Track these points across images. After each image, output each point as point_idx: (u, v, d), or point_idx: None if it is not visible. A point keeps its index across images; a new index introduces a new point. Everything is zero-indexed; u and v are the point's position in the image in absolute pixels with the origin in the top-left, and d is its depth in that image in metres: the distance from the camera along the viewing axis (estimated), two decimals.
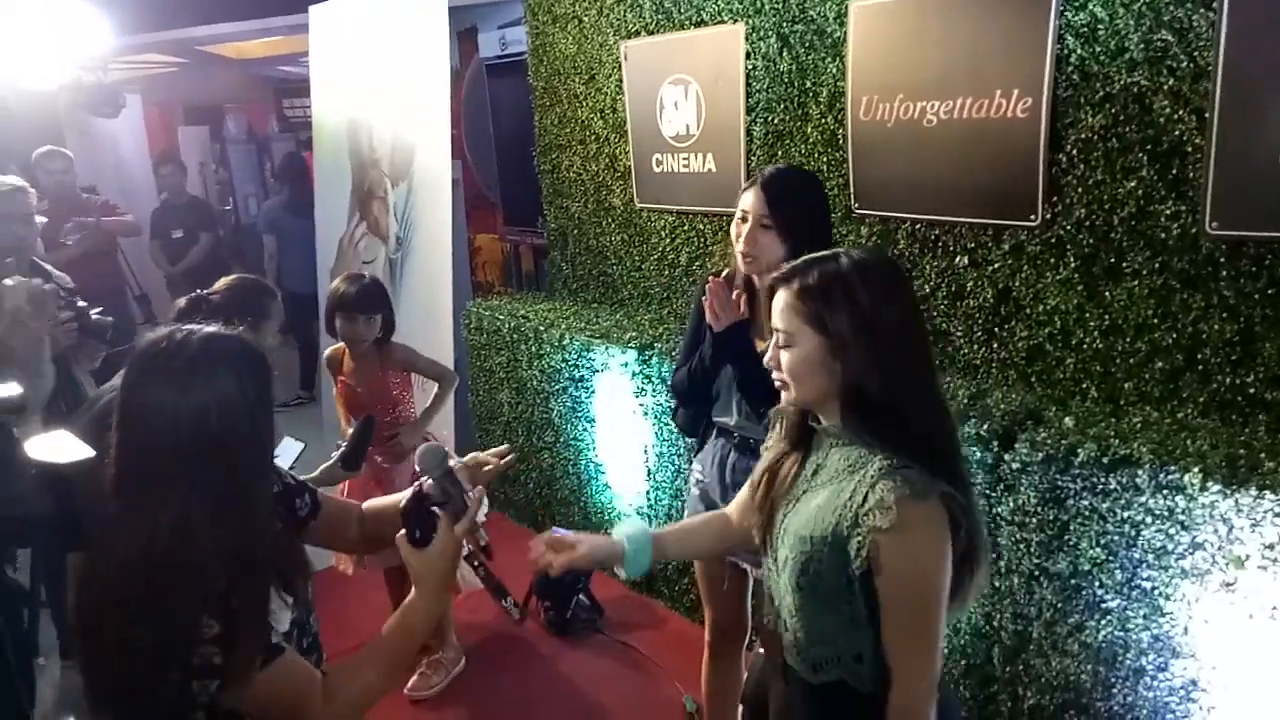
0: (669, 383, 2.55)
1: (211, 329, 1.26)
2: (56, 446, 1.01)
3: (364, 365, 2.98)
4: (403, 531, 1.38)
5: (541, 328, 3.73)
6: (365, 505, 1.66)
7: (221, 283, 2.31)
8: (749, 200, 2.07)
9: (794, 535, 1.42)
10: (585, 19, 3.67)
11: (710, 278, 2.11)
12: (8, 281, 2.06)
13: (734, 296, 2.11)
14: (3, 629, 1.46)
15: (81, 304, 2.60)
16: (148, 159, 7.38)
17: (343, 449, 2.44)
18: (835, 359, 1.35)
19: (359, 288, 2.89)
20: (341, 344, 3.03)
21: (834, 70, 2.79)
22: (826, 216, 2.18)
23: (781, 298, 1.40)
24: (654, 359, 3.21)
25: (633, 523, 1.73)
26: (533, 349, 3.79)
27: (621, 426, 3.43)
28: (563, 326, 3.66)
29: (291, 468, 2.60)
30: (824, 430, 1.45)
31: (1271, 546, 1.80)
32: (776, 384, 1.44)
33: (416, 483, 1.44)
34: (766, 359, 1.45)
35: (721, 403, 2.26)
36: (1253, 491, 1.81)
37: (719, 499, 2.23)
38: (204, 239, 6.00)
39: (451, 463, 1.44)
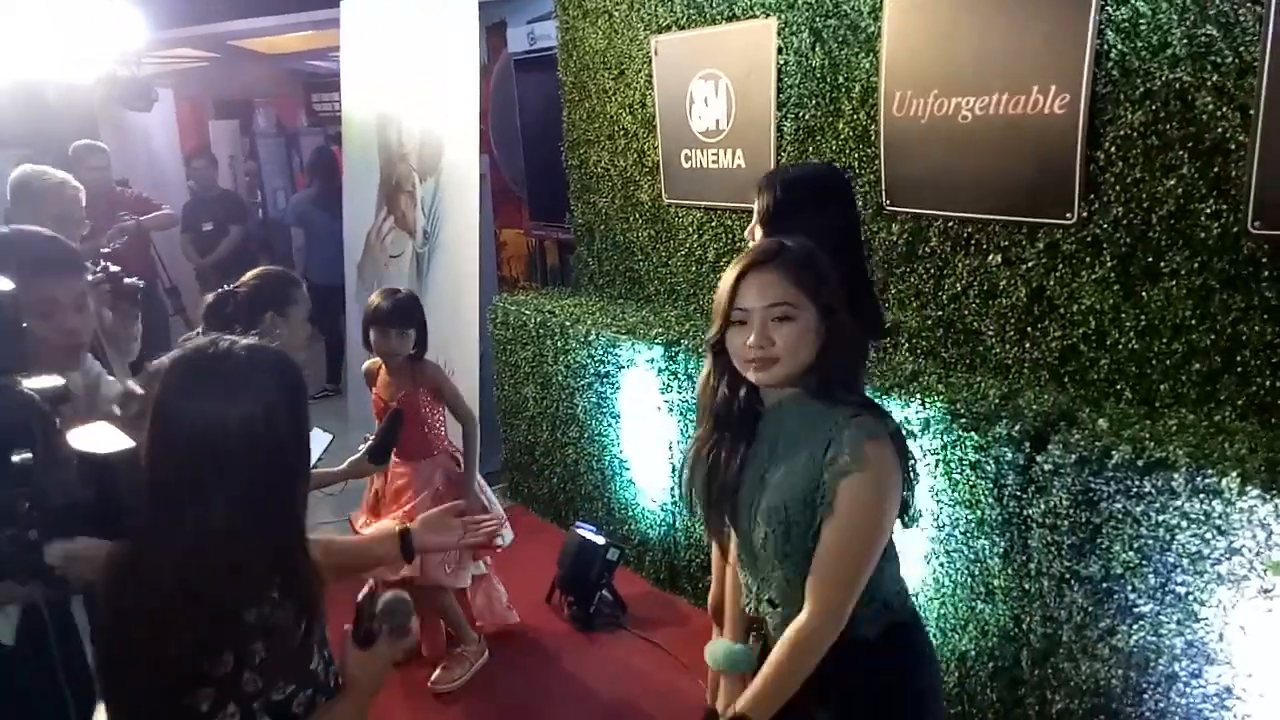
0: None
1: (252, 340, 1.29)
2: (99, 437, 1.02)
3: (397, 380, 3.01)
4: (350, 626, 1.39)
5: (567, 323, 3.73)
6: (333, 541, 1.67)
7: (248, 276, 2.36)
8: (758, 202, 2.01)
9: (767, 509, 1.48)
10: (616, 13, 3.66)
11: None
12: None
13: None
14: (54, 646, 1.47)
15: (114, 268, 2.64)
16: (178, 152, 7.46)
17: (370, 442, 2.45)
18: (824, 326, 1.45)
19: (393, 302, 2.91)
20: (377, 358, 3.05)
21: (867, 65, 2.76)
22: (845, 213, 2.01)
23: (768, 275, 1.44)
24: (680, 355, 3.20)
25: (717, 650, 1.75)
26: (558, 344, 3.79)
27: (647, 423, 3.42)
28: (589, 322, 3.65)
29: (320, 459, 2.62)
30: (775, 408, 1.51)
31: None
32: (755, 365, 1.45)
33: (371, 584, 1.45)
34: (753, 338, 1.44)
35: None
36: None
37: None
38: (234, 232, 6.06)
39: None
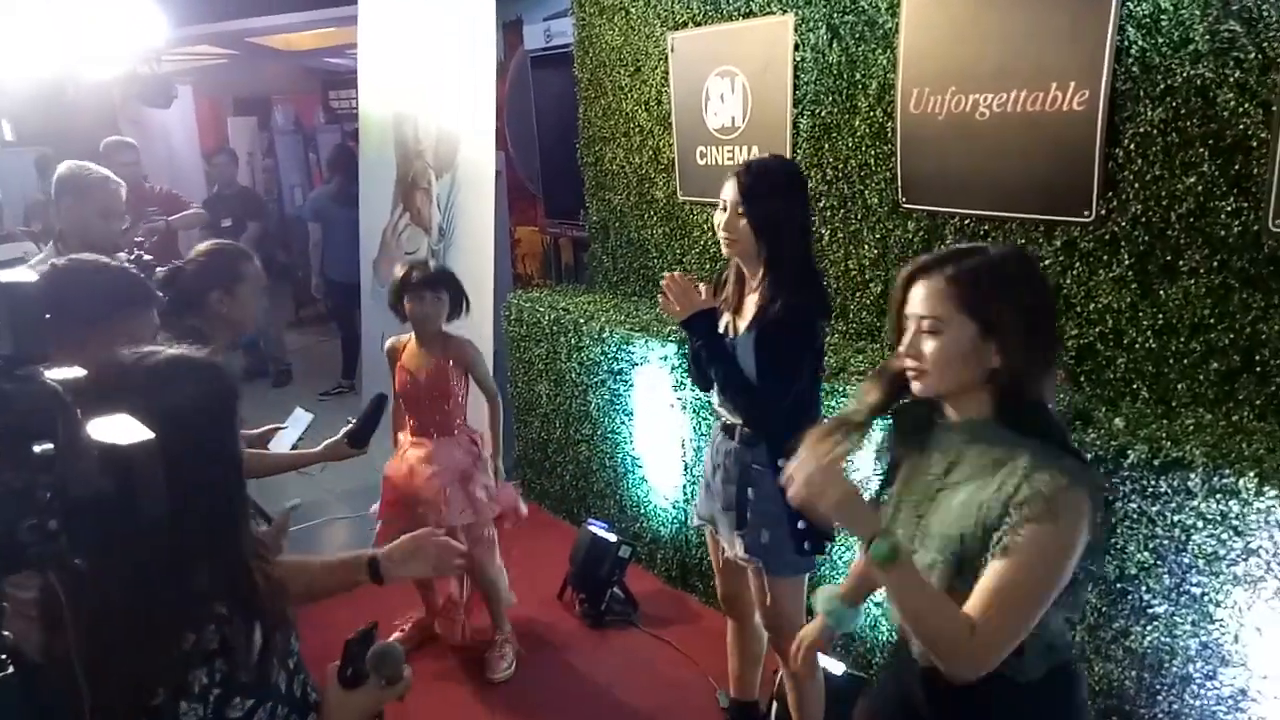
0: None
1: (176, 351, 1.24)
2: (120, 429, 1.03)
3: (428, 350, 2.98)
4: (337, 663, 1.35)
5: (581, 320, 3.74)
6: (298, 563, 1.63)
7: (197, 250, 2.35)
8: (728, 190, 2.18)
9: (940, 536, 1.40)
10: (632, 10, 3.66)
11: (667, 273, 2.25)
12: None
13: (702, 285, 2.25)
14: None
15: (148, 257, 2.67)
16: (198, 149, 7.52)
17: (350, 426, 2.44)
18: (988, 346, 1.34)
19: (428, 267, 2.95)
20: (404, 336, 3.05)
21: (884, 62, 2.75)
22: (801, 205, 2.21)
23: (929, 285, 1.38)
24: None
25: (826, 594, 1.74)
26: (572, 341, 3.79)
27: (660, 420, 3.42)
28: (602, 319, 3.66)
29: (300, 439, 2.61)
30: (955, 425, 1.43)
31: None
32: (910, 374, 1.41)
33: (371, 625, 1.40)
34: (904, 347, 1.41)
35: (716, 387, 2.32)
36: None
37: (710, 477, 2.38)
38: (251, 228, 6.10)
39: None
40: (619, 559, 3.34)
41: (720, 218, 2.21)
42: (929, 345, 1.37)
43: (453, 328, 3.04)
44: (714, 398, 2.34)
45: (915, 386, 1.42)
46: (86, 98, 6.25)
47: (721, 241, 2.23)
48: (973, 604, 1.30)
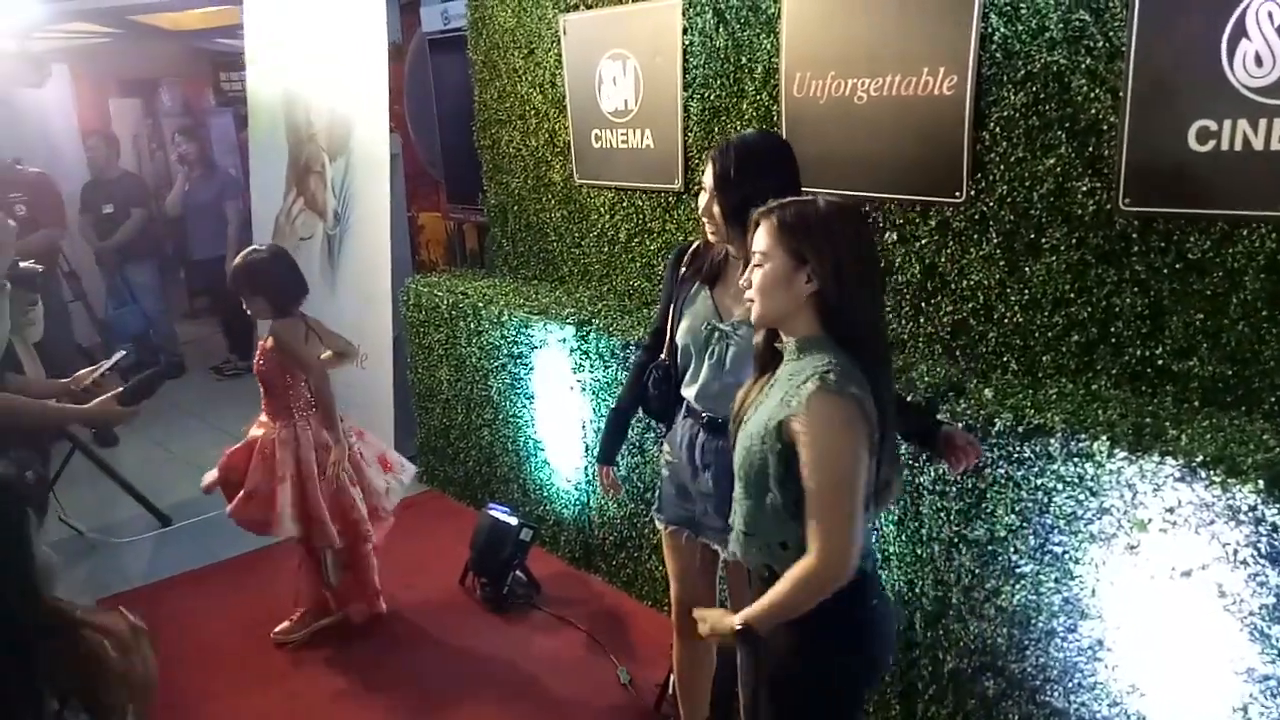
0: (631, 360, 2.57)
1: None
2: None
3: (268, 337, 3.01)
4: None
5: (480, 304, 3.71)
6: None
7: None
8: (706, 172, 2.07)
9: (745, 437, 1.67)
10: None
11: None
12: None
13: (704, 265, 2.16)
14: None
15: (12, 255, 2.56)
16: (77, 131, 7.15)
17: (123, 386, 2.44)
18: (800, 275, 1.59)
19: (231, 270, 2.94)
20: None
21: (768, 47, 2.81)
22: (791, 178, 2.04)
23: (763, 226, 1.64)
24: (592, 335, 3.21)
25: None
26: (471, 325, 3.76)
27: (560, 403, 3.43)
28: (501, 303, 3.64)
29: (104, 372, 2.57)
30: (783, 349, 1.68)
31: (1171, 510, 1.87)
32: (746, 302, 1.69)
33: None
34: (741, 280, 1.69)
35: (690, 375, 2.18)
36: (1155, 457, 1.88)
37: (689, 480, 2.18)
38: (135, 214, 5.84)
39: None
40: (520, 542, 3.34)
41: (701, 202, 2.09)
42: (756, 275, 1.64)
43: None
44: (689, 392, 2.17)
45: (752, 314, 1.68)
46: None
47: (705, 228, 2.10)
48: (806, 526, 1.57)
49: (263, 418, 3.05)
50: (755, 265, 1.64)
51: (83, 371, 2.63)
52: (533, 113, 3.78)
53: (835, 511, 1.54)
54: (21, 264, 2.71)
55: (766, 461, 1.61)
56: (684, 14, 3.02)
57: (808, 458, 1.54)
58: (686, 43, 3.05)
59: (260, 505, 2.93)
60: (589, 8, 3.38)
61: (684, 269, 2.22)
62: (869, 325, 1.63)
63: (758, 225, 1.66)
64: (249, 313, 3.01)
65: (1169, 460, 1.86)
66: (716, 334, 2.10)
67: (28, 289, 2.89)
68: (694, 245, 2.24)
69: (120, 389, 2.37)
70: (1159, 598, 1.93)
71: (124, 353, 2.63)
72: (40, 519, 3.35)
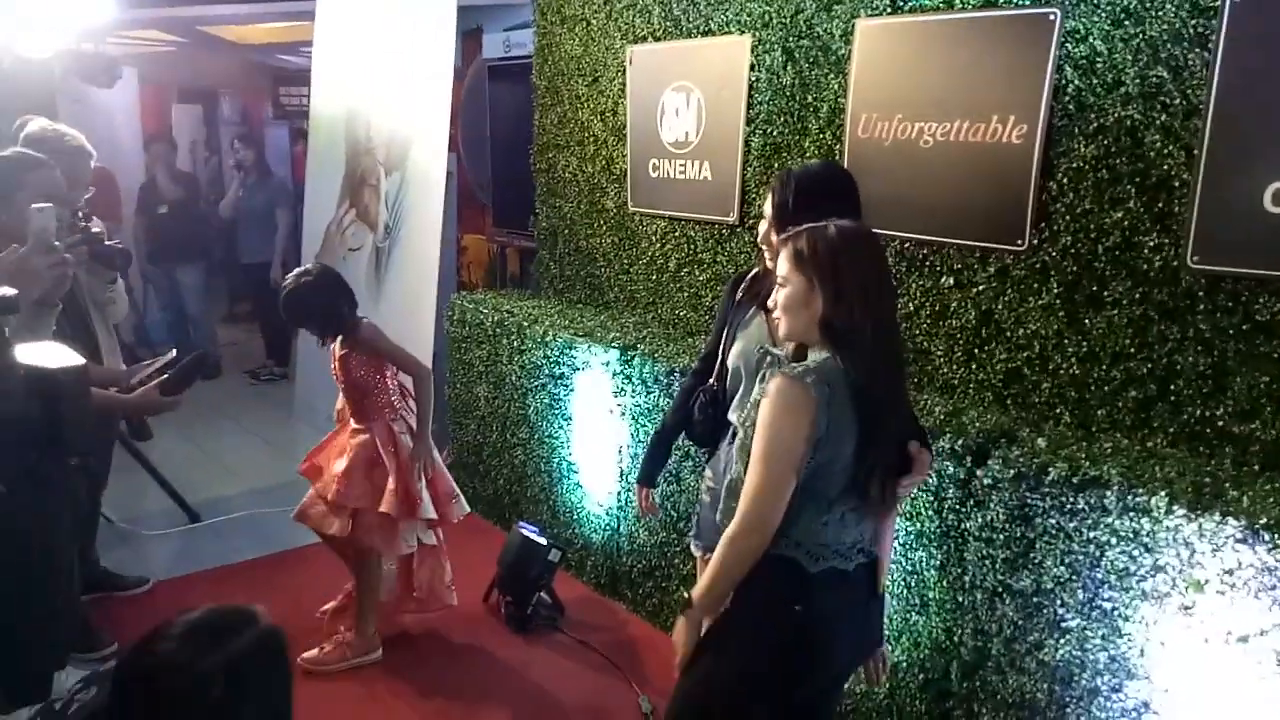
0: (679, 384, 2.61)
1: None
2: (48, 353, 1.01)
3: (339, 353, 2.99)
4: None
5: (525, 323, 3.73)
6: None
7: None
8: (767, 201, 2.13)
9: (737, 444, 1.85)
10: (593, 22, 3.71)
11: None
12: (37, 206, 2.07)
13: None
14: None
15: (96, 229, 2.60)
16: (139, 134, 7.34)
17: (164, 376, 2.41)
18: (815, 296, 1.73)
19: (281, 301, 2.86)
20: None
21: (835, 86, 2.84)
22: (851, 210, 2.05)
23: (785, 251, 1.79)
24: (636, 360, 3.22)
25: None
26: (514, 344, 3.78)
27: (598, 426, 3.43)
28: (546, 323, 3.66)
29: (157, 370, 2.59)
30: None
31: (1230, 572, 1.83)
32: (774, 320, 1.85)
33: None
34: (770, 300, 1.84)
35: (739, 398, 2.19)
36: (1215, 517, 1.85)
37: None
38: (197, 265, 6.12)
39: None
40: (548, 563, 3.32)
41: (760, 229, 2.14)
42: (781, 295, 1.79)
43: (393, 323, 3.02)
44: (736, 416, 2.14)
45: (779, 331, 1.85)
46: (23, 72, 6.05)
47: (764, 256, 2.16)
48: None
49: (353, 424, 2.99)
50: (779, 287, 1.79)
51: (135, 365, 2.65)
52: (591, 139, 3.84)
53: (757, 479, 1.69)
54: (107, 243, 2.76)
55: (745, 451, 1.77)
56: (752, 50, 3.07)
57: (756, 430, 1.70)
58: (753, 78, 3.09)
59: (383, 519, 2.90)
60: (657, 40, 3.44)
61: (740, 294, 2.25)
62: (869, 344, 1.73)
63: (782, 250, 1.81)
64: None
65: (1230, 521, 1.83)
66: (769, 358, 2.10)
67: (108, 267, 2.93)
68: (753, 271, 2.27)
69: (164, 380, 2.38)
70: (1212, 662, 1.88)
71: (175, 352, 2.65)
72: (93, 517, 3.35)
